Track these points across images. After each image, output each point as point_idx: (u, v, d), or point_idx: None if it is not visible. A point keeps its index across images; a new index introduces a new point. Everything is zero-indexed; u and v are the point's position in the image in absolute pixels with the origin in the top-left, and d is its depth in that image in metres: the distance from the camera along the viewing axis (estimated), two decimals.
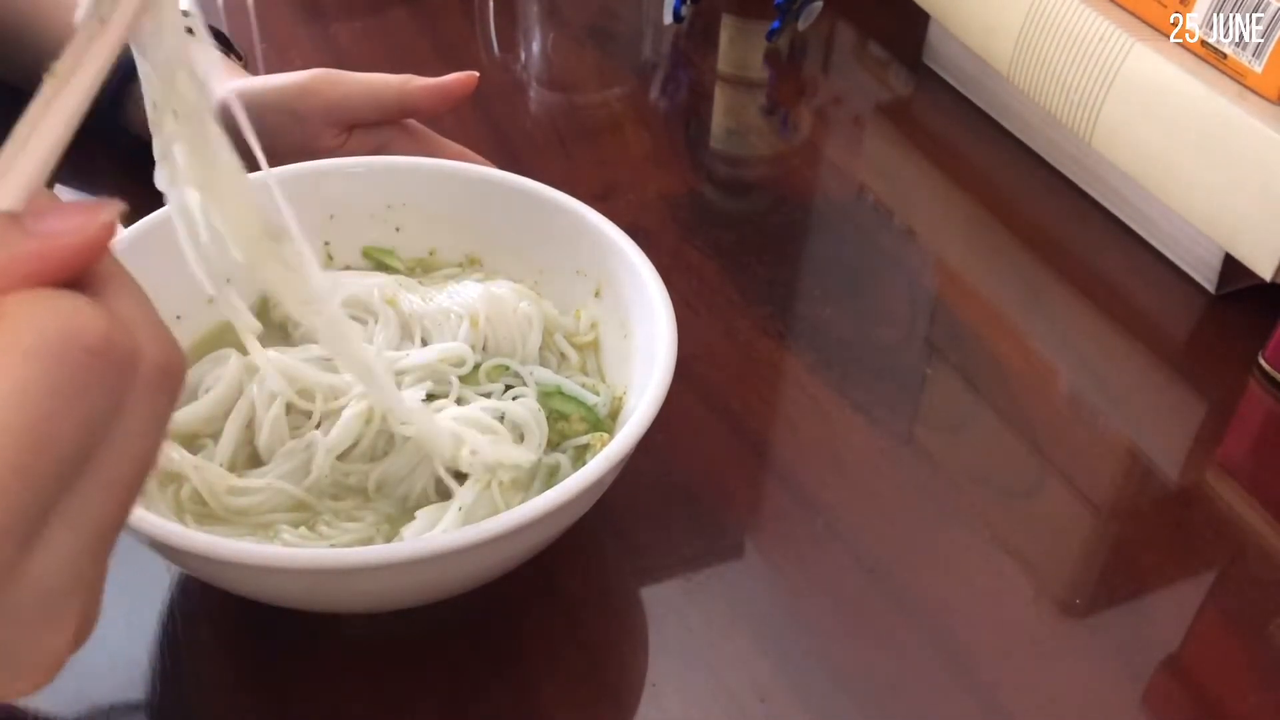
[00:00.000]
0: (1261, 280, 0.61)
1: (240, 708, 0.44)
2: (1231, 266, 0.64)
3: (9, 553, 0.22)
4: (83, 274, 0.25)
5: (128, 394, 0.24)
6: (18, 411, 0.22)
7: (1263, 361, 0.61)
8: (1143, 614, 0.50)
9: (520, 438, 0.47)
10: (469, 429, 0.44)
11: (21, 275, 0.23)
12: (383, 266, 0.56)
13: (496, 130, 0.74)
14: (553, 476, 0.47)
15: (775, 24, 0.85)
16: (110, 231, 0.24)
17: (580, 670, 0.45)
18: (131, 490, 0.25)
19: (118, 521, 0.25)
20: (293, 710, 0.44)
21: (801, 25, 0.87)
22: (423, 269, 0.57)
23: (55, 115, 0.28)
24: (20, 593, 0.23)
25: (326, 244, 0.56)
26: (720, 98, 0.81)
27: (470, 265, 0.57)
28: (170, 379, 0.25)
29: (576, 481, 0.40)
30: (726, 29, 0.86)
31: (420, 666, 0.45)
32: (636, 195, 0.70)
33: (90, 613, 0.25)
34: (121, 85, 0.62)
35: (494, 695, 0.44)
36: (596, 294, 0.53)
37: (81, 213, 0.24)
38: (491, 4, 0.88)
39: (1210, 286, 0.66)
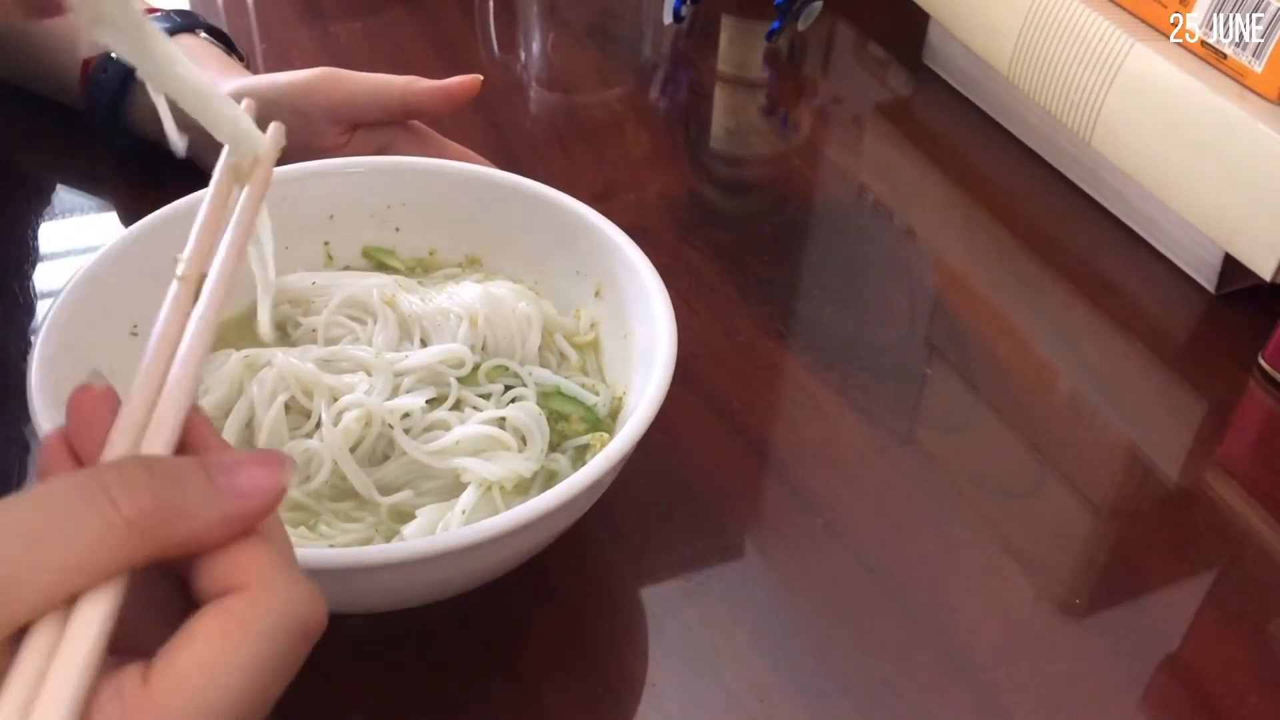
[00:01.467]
0: (1261, 280, 0.61)
1: None
2: (1231, 266, 0.64)
3: None
4: None
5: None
6: (243, 688, 0.25)
7: (1263, 361, 0.61)
8: (1143, 614, 0.50)
9: (522, 441, 0.47)
10: (467, 460, 0.45)
11: (218, 538, 0.26)
12: (382, 266, 0.56)
13: (496, 130, 0.74)
14: (552, 479, 0.47)
15: (775, 24, 0.85)
16: (284, 492, 0.27)
17: (580, 670, 0.45)
18: None
19: None
20: (293, 710, 0.44)
21: (801, 25, 0.87)
22: (423, 269, 0.57)
23: (198, 329, 0.30)
24: None
25: (326, 244, 0.56)
26: (720, 98, 0.81)
27: (470, 265, 0.57)
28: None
29: (576, 482, 0.40)
30: (726, 29, 0.86)
31: (420, 666, 0.45)
32: (636, 195, 0.70)
33: None
34: (123, 85, 0.62)
35: (494, 696, 0.44)
36: (597, 294, 0.53)
37: (264, 471, 0.27)
38: (491, 4, 0.88)
39: (1210, 286, 0.66)
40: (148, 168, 0.65)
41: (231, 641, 0.25)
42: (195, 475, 0.26)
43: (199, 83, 0.32)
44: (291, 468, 0.27)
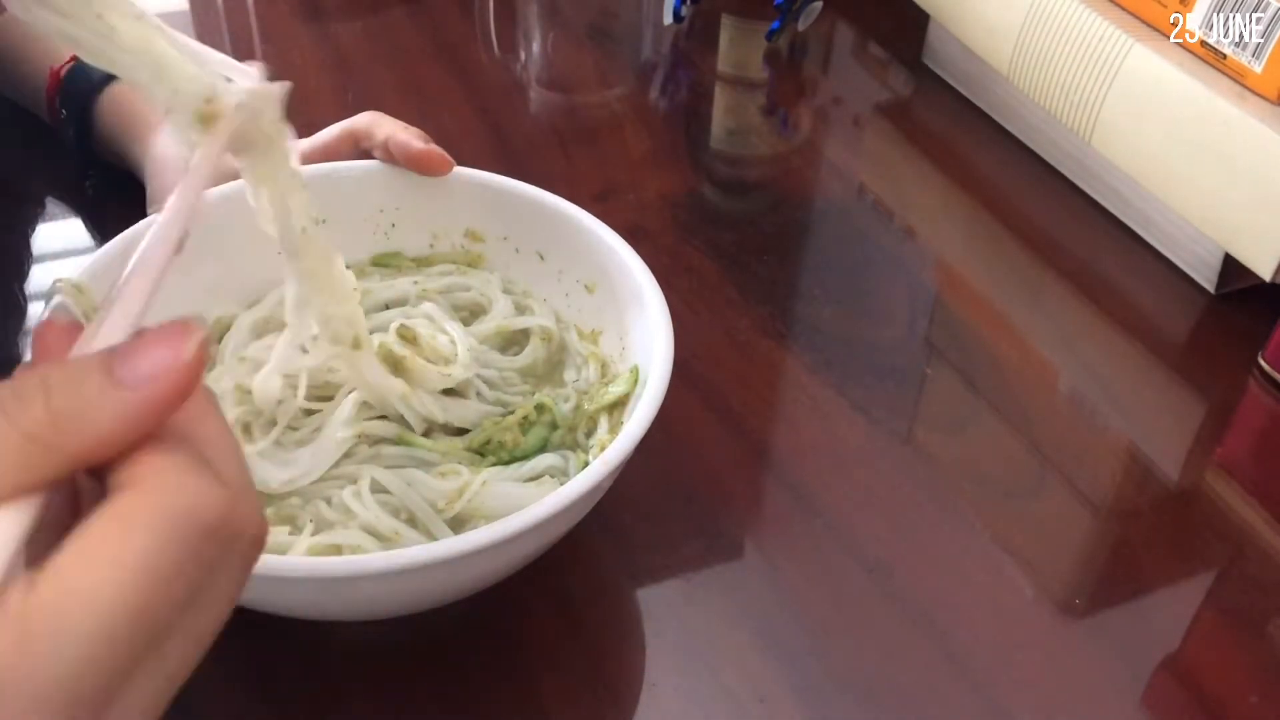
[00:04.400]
0: (1261, 280, 0.61)
1: (241, 708, 0.44)
2: (1231, 266, 0.64)
3: (84, 718, 0.22)
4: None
5: (224, 565, 0.24)
6: (128, 586, 0.22)
7: (1263, 361, 0.61)
8: (1143, 614, 0.50)
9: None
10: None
11: (126, 437, 0.24)
12: (391, 269, 0.56)
13: (496, 130, 0.74)
14: (555, 476, 0.47)
15: (775, 24, 0.85)
16: (201, 365, 0.24)
17: (580, 670, 0.45)
18: (206, 644, 0.25)
19: (188, 672, 0.25)
20: (293, 711, 0.44)
21: (801, 25, 0.87)
22: (424, 265, 0.56)
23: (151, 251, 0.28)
24: None
25: None
26: (720, 98, 0.81)
27: (470, 264, 0.56)
28: (258, 549, 0.25)
29: (574, 487, 0.40)
30: (726, 29, 0.86)
31: (419, 667, 0.45)
32: (636, 196, 0.70)
33: None
34: (89, 104, 0.62)
35: (494, 696, 0.44)
36: (591, 296, 0.53)
37: (166, 346, 0.24)
38: (491, 4, 0.88)
39: (1210, 286, 0.66)
40: (125, 187, 0.65)
41: (112, 539, 0.23)
42: (93, 373, 0.23)
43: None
44: (199, 335, 0.24)
